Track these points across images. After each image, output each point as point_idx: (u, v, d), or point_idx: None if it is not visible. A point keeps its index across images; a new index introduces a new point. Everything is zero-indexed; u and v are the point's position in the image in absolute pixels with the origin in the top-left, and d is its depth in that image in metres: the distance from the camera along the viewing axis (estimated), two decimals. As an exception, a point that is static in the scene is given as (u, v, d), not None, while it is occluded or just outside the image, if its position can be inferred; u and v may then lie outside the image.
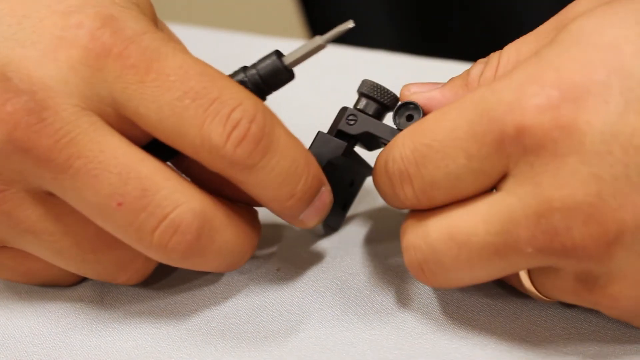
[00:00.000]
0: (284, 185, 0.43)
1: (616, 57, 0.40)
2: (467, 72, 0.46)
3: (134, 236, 0.42)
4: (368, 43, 0.81)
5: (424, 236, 0.42)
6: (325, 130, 0.48)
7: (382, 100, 0.47)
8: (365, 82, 0.48)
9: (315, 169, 0.44)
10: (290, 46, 0.66)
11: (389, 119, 0.47)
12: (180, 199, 0.42)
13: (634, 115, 0.39)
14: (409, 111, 0.46)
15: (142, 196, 0.42)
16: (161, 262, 0.44)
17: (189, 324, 0.46)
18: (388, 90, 0.47)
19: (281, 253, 0.50)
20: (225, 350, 0.45)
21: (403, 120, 0.46)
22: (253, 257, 0.50)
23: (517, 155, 0.40)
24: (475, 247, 0.41)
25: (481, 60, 0.46)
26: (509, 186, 0.41)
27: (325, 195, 0.45)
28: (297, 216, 0.45)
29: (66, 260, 0.45)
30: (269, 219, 0.52)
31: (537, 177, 0.40)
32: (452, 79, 0.46)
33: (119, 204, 0.41)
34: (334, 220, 0.51)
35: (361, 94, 0.48)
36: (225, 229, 0.44)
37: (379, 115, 0.47)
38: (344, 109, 0.47)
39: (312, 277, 0.49)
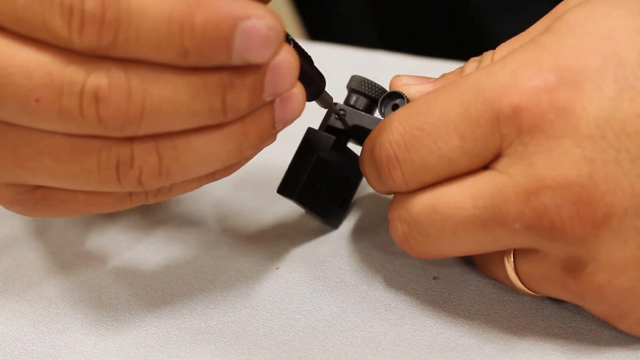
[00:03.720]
0: (165, 47, 0.37)
1: (611, 46, 0.41)
2: (461, 68, 0.46)
3: (70, 124, 0.39)
4: (358, 43, 0.81)
5: (409, 208, 0.43)
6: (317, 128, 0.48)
7: (370, 94, 0.47)
8: (353, 78, 0.48)
9: (210, 13, 0.37)
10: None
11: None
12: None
13: (627, 103, 0.40)
14: (395, 101, 0.46)
15: (51, 82, 0.38)
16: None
17: (188, 323, 0.46)
18: (376, 84, 0.48)
19: (280, 252, 0.50)
20: (224, 348, 0.45)
21: (389, 110, 0.46)
22: (252, 257, 0.50)
23: (512, 136, 0.41)
24: (460, 219, 0.42)
25: (474, 58, 0.46)
26: (501, 165, 0.41)
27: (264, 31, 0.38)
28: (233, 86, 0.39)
29: (59, 180, 0.41)
30: (268, 218, 0.53)
31: (530, 157, 0.41)
32: (444, 74, 0.47)
33: (37, 101, 0.38)
34: (333, 219, 0.51)
35: (350, 90, 0.48)
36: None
37: (369, 109, 0.48)
38: (333, 105, 0.48)
39: (311, 275, 0.49)
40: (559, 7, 0.45)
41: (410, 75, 0.47)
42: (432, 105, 0.42)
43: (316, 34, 0.92)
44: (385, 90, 0.48)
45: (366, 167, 0.45)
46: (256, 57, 0.38)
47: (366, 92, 0.48)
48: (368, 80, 0.48)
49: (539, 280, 0.43)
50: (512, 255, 0.44)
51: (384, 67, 0.65)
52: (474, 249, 0.43)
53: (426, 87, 0.46)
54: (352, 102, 0.48)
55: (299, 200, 0.48)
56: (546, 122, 0.40)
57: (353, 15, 0.88)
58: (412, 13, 0.87)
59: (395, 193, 0.44)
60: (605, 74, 0.40)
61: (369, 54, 0.66)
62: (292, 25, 1.02)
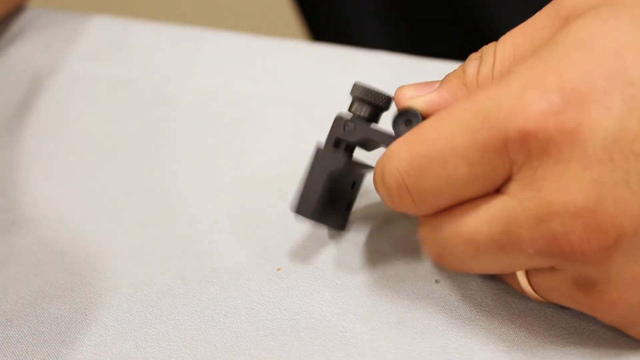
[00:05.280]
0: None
1: (618, 64, 0.40)
2: (462, 69, 0.45)
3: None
4: (364, 42, 0.81)
5: (435, 231, 0.43)
6: (323, 136, 0.48)
7: (376, 103, 0.47)
8: (357, 87, 0.47)
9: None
10: (286, 46, 0.66)
11: (384, 121, 0.48)
12: None
13: (635, 123, 0.39)
14: (408, 117, 0.46)
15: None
16: None
17: (188, 324, 0.46)
18: (381, 92, 0.47)
19: (281, 253, 0.50)
20: (224, 349, 0.45)
21: (403, 127, 0.46)
22: (253, 258, 0.50)
23: (521, 161, 0.40)
24: (480, 243, 0.42)
25: (474, 56, 0.46)
26: (511, 190, 0.41)
27: None
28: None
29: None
30: (269, 219, 0.52)
31: (539, 181, 0.40)
32: (447, 78, 0.46)
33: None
34: (340, 221, 0.51)
35: (355, 98, 0.48)
36: None
37: (374, 117, 0.47)
38: (339, 117, 0.47)
39: (312, 276, 0.49)
40: (566, 2, 0.43)
41: (412, 86, 0.46)
42: (438, 132, 0.42)
43: (320, 34, 0.92)
44: (389, 98, 0.47)
45: (379, 189, 0.44)
46: None
47: (371, 100, 0.47)
48: (372, 88, 0.47)
49: (549, 291, 0.43)
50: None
51: (388, 67, 0.65)
52: (501, 269, 0.43)
53: (432, 97, 0.45)
54: (356, 111, 0.47)
55: (312, 218, 0.48)
56: (554, 146, 0.40)
57: (357, 15, 0.88)
58: (417, 14, 0.86)
59: (420, 220, 0.44)
60: (612, 94, 0.40)
61: (374, 54, 0.65)
62: (296, 25, 1.02)
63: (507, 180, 0.41)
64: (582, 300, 0.42)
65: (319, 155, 0.47)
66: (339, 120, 0.47)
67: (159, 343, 0.45)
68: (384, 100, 0.47)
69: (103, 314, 0.47)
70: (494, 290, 0.47)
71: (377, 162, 0.44)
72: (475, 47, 0.47)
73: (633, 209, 0.39)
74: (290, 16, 1.12)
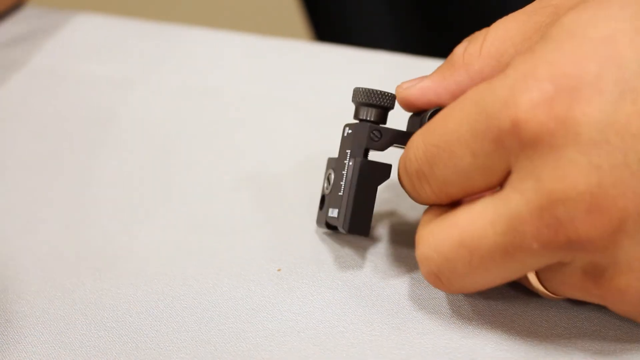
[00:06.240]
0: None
1: (610, 49, 0.40)
2: (452, 53, 0.47)
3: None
4: (369, 43, 0.81)
5: (436, 247, 0.43)
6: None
7: (383, 104, 0.47)
8: (359, 91, 0.47)
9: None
10: (286, 46, 0.66)
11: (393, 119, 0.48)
12: None
13: (629, 105, 0.39)
14: (434, 113, 0.46)
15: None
16: None
17: (188, 324, 0.46)
18: (383, 92, 0.47)
19: (282, 253, 0.50)
20: (225, 349, 0.45)
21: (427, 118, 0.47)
22: (254, 258, 0.50)
23: (516, 150, 0.41)
24: (485, 250, 0.41)
25: (464, 40, 0.47)
26: (512, 182, 0.41)
27: None
28: None
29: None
30: (269, 220, 0.52)
31: (537, 170, 0.40)
32: (439, 67, 0.47)
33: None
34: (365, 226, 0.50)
35: (360, 104, 0.47)
36: None
37: (383, 118, 0.48)
38: (363, 126, 0.47)
39: (313, 277, 0.49)
40: None
41: (408, 80, 0.48)
42: (446, 122, 0.43)
43: (325, 33, 0.92)
44: (393, 96, 0.47)
45: (403, 179, 0.45)
46: None
47: (378, 103, 0.47)
48: (374, 90, 0.47)
49: (560, 285, 0.43)
50: None
51: (391, 67, 0.65)
52: (505, 278, 0.43)
53: (425, 82, 0.47)
54: (367, 117, 0.47)
55: (367, 235, 0.47)
56: (546, 133, 0.40)
57: (363, 16, 0.88)
58: (423, 14, 0.86)
59: (418, 231, 0.44)
60: (604, 78, 0.40)
61: (375, 54, 0.65)
62: (300, 25, 1.02)
63: (509, 172, 0.41)
64: (593, 290, 0.42)
65: (364, 167, 0.47)
66: (363, 129, 0.47)
67: (159, 344, 0.45)
68: (389, 99, 0.47)
69: (103, 315, 0.47)
70: (496, 289, 0.47)
71: (403, 152, 0.45)
72: None
73: (635, 189, 0.39)
74: (294, 14, 1.12)
